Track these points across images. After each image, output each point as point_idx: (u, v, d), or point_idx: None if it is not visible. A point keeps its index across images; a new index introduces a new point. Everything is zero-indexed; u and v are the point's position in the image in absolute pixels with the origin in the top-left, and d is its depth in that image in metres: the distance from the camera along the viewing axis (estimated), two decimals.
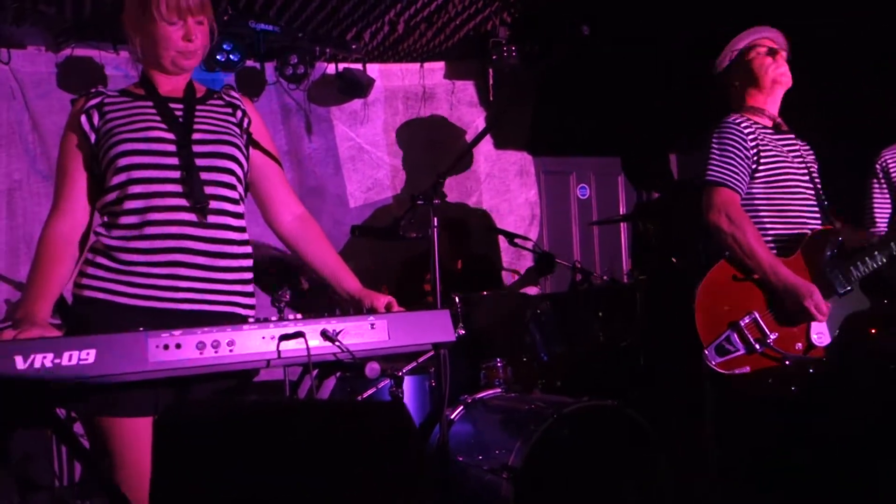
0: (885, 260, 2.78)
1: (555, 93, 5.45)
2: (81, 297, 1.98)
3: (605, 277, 4.46)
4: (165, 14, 2.01)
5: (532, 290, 5.55)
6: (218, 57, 4.49)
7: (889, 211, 3.84)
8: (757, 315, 2.67)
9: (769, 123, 2.90)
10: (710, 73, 3.01)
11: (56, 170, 2.06)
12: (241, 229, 2.08)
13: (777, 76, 2.90)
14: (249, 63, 4.83)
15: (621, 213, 6.07)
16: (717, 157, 2.78)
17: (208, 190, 1.99)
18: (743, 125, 2.82)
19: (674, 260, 3.95)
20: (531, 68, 5.25)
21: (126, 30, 2.08)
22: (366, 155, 5.46)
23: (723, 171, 2.76)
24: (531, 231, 5.66)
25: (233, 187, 2.06)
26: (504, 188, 5.70)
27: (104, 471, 1.84)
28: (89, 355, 1.56)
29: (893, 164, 3.83)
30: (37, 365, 1.51)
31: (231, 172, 2.06)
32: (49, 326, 1.80)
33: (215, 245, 2.01)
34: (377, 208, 5.42)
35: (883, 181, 3.86)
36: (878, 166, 3.87)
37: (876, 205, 3.88)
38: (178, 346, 1.66)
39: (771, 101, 2.93)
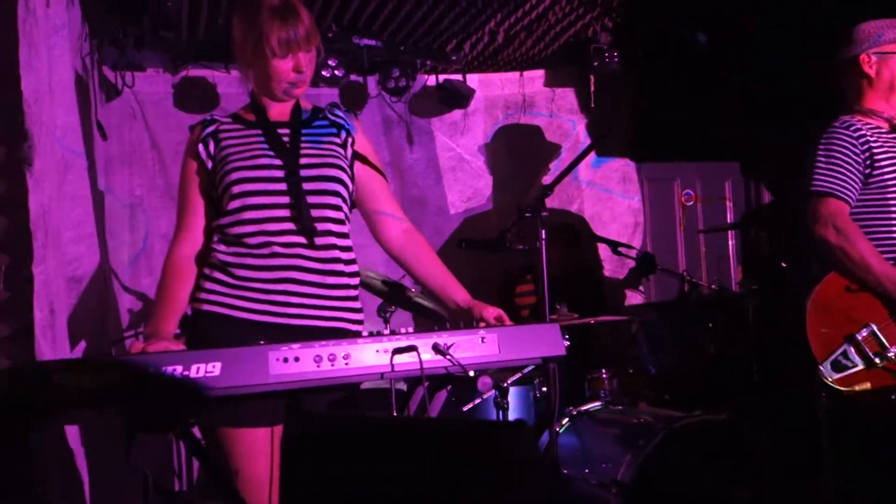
0: None
1: (657, 96, 5.35)
2: (200, 311, 2.06)
3: (713, 286, 4.34)
4: (277, 51, 2.07)
5: (636, 298, 5.46)
6: (323, 73, 4.61)
7: None
8: (875, 327, 2.53)
9: (885, 126, 2.73)
10: (834, 58, 2.86)
11: (178, 194, 2.17)
12: (348, 248, 2.13)
13: None
14: (353, 77, 4.94)
15: (728, 219, 5.89)
16: (823, 166, 2.65)
17: (315, 213, 2.05)
18: (853, 129, 2.67)
19: (784, 265, 3.79)
20: (633, 73, 5.17)
21: (239, 63, 2.16)
22: (466, 165, 5.50)
23: (830, 180, 2.62)
24: (634, 239, 5.57)
25: (338, 208, 2.11)
26: (606, 195, 5.62)
27: (226, 478, 1.91)
28: (215, 368, 1.63)
29: None
30: (168, 376, 1.58)
31: (336, 194, 2.11)
32: (175, 341, 1.89)
33: (324, 264, 2.07)
34: (477, 217, 5.44)
35: None
36: None
37: None
38: (296, 359, 1.71)
39: (894, 102, 2.76)
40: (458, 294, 2.20)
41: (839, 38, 2.84)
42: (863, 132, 2.67)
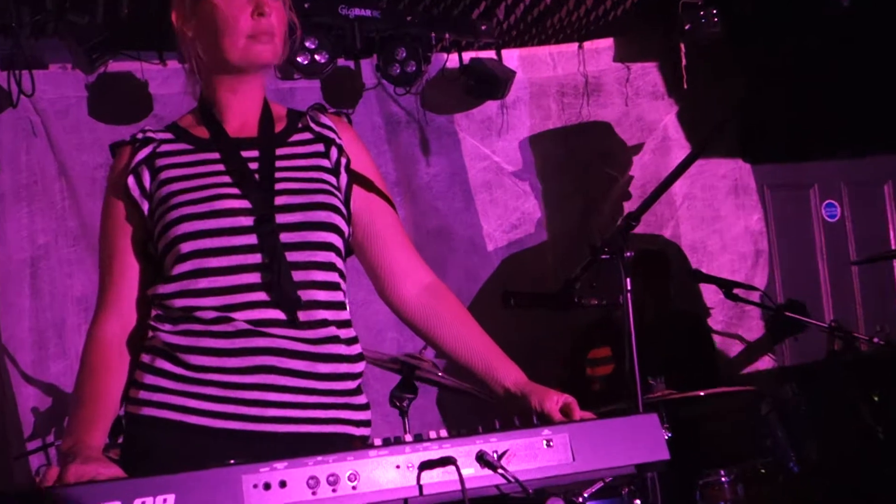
0: None
1: (777, 69, 5.35)
2: (140, 417, 2.06)
3: (876, 341, 4.31)
4: None
5: (764, 362, 5.42)
6: (299, 59, 4.66)
7: None
8: None
9: None
10: None
11: (99, 248, 2.18)
12: (346, 323, 2.13)
13: None
14: (341, 62, 5.00)
15: (892, 242, 5.83)
16: None
17: (299, 276, 2.06)
18: None
19: None
20: (741, 38, 5.18)
21: (176, 26, 2.19)
22: (507, 178, 5.52)
23: None
24: (756, 275, 5.54)
25: (331, 267, 2.12)
26: (712, 214, 5.61)
27: None
28: (167, 502, 1.63)
29: None
30: None
31: (329, 247, 2.11)
32: (106, 460, 1.89)
33: (314, 346, 2.07)
34: (526, 255, 5.44)
35: None
36: None
37: None
38: (282, 484, 1.70)
39: None
40: (508, 375, 2.19)
41: None
42: None
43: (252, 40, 2.11)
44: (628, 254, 2.46)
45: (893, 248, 5.91)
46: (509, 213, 5.51)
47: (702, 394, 3.44)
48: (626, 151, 5.54)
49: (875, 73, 5.34)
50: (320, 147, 2.23)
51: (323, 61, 4.74)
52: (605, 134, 5.59)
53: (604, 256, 2.50)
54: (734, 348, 5.45)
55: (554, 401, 2.10)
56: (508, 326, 4.71)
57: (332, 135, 2.24)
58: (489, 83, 5.21)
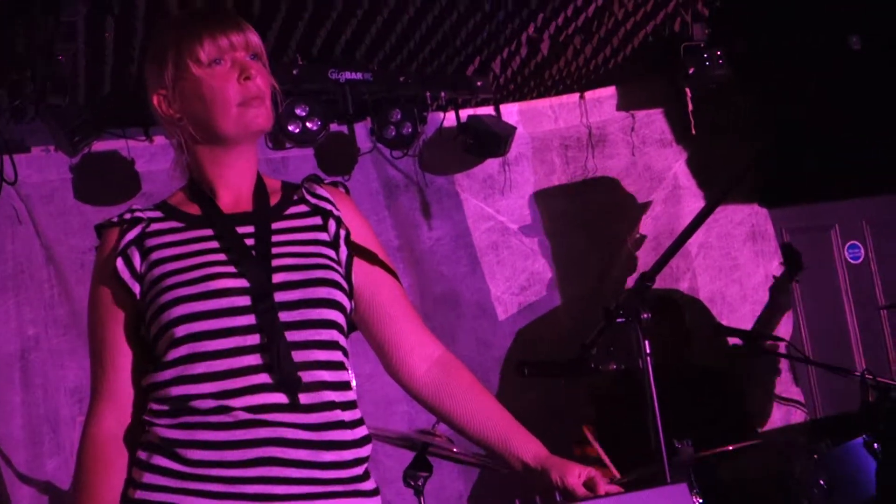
0: None
1: (790, 107, 5.36)
2: None
3: None
4: (205, 55, 2.10)
5: (795, 414, 5.38)
6: (290, 128, 4.69)
7: None
8: None
9: None
10: None
11: (89, 336, 2.17)
12: (351, 404, 2.12)
13: None
14: (334, 128, 5.02)
15: None
16: None
17: (300, 356, 2.04)
18: None
19: None
20: (749, 79, 5.20)
21: (160, 112, 2.19)
22: (513, 238, 5.52)
23: None
24: (780, 325, 5.50)
25: (334, 346, 2.11)
26: (730, 263, 5.60)
27: None
28: None
29: None
30: None
31: (330, 325, 2.11)
32: None
33: (317, 432, 2.05)
34: (540, 317, 5.42)
35: None
36: None
37: None
38: None
39: None
40: (527, 449, 2.17)
41: None
42: None
43: (244, 107, 2.11)
44: (645, 315, 2.45)
45: None
46: (518, 275, 5.50)
47: (731, 448, 3.41)
48: (636, 207, 5.54)
49: (892, 108, 5.36)
50: (318, 220, 2.23)
51: (315, 128, 4.76)
52: (612, 187, 5.59)
53: (619, 320, 2.48)
54: (766, 403, 5.41)
55: (576, 475, 2.08)
56: (524, 392, 4.75)
57: (329, 206, 2.24)
58: (489, 140, 5.22)
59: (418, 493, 3.51)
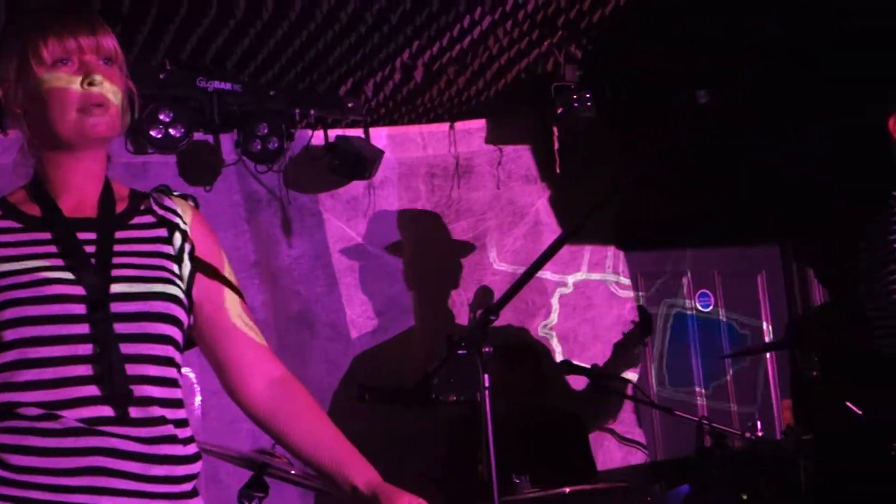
0: None
1: (653, 156, 5.50)
2: None
3: (748, 435, 4.40)
4: (48, 55, 2.05)
5: (635, 456, 5.48)
6: (152, 133, 4.61)
7: None
8: None
9: None
10: None
11: None
12: (182, 422, 2.09)
13: None
14: (198, 136, 4.96)
15: (766, 333, 6.00)
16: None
17: (133, 370, 2.01)
18: None
19: (857, 411, 3.88)
20: (615, 122, 5.32)
21: (2, 102, 2.14)
22: (374, 262, 5.52)
23: None
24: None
25: (168, 362, 2.07)
26: (584, 302, 5.69)
27: None
28: None
29: None
30: None
31: (166, 340, 2.07)
32: None
33: (148, 446, 2.01)
34: (395, 343, 5.43)
35: None
36: None
37: None
38: None
39: None
40: (360, 474, 2.17)
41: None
42: None
43: (83, 113, 2.05)
44: (486, 349, 2.47)
45: (767, 340, 6.08)
46: (375, 299, 5.49)
47: (567, 491, 3.46)
48: (494, 241, 5.60)
49: (748, 163, 5.55)
50: (163, 232, 2.19)
51: (178, 135, 4.69)
52: (477, 217, 5.64)
53: (461, 352, 2.50)
54: (607, 443, 5.50)
55: (405, 503, 2.09)
56: (371, 420, 4.74)
57: (176, 219, 2.20)
58: (355, 162, 5.22)
59: None
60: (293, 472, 3.36)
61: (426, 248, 5.59)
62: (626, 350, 5.27)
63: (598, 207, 4.73)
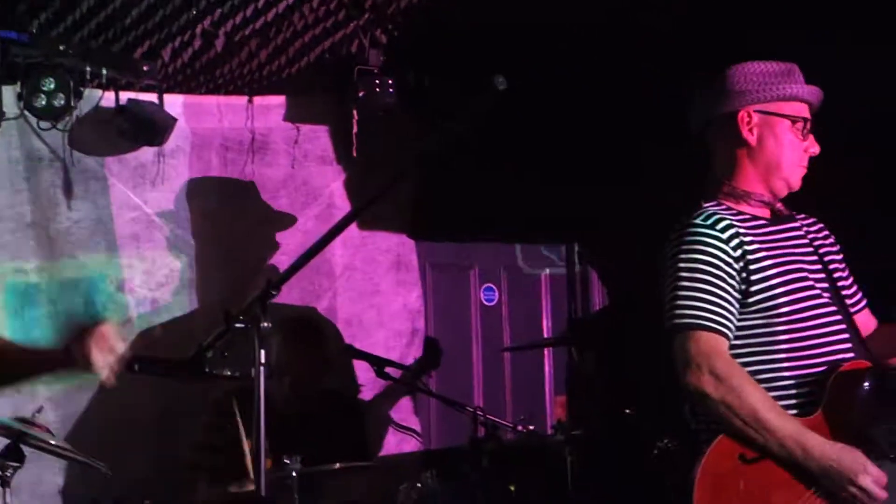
0: None
1: (451, 146, 5.52)
2: None
3: (520, 429, 4.48)
4: None
5: (410, 443, 5.52)
6: None
7: None
8: None
9: (764, 213, 2.95)
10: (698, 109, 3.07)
11: None
12: None
13: (806, 160, 2.97)
14: None
15: (545, 330, 6.14)
16: (686, 286, 2.80)
17: None
18: (721, 226, 2.84)
19: (626, 411, 4.01)
20: (416, 112, 5.33)
21: None
22: (157, 232, 5.37)
23: (697, 306, 2.78)
24: (411, 354, 5.65)
25: None
26: (372, 288, 5.70)
27: None
28: None
29: None
30: None
31: None
32: None
33: None
34: (173, 317, 5.30)
35: None
36: None
37: None
38: None
39: (775, 185, 2.96)
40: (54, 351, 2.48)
41: (706, 82, 3.05)
42: (735, 229, 2.84)
43: None
44: (265, 324, 2.42)
45: (546, 336, 6.22)
46: (157, 270, 5.34)
47: (337, 467, 3.45)
48: (287, 217, 5.54)
49: (542, 159, 5.65)
50: None
51: None
52: (269, 195, 5.56)
53: (238, 325, 2.45)
54: (383, 429, 5.51)
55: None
56: (145, 392, 4.60)
57: None
58: (146, 127, 5.06)
59: (4, 484, 3.32)
60: (52, 442, 3.23)
61: (215, 221, 5.47)
62: (412, 378, 5.25)
63: (390, 188, 4.75)
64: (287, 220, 5.55)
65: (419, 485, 3.75)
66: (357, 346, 5.28)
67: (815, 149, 2.96)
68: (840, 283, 2.99)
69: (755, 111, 2.93)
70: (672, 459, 2.79)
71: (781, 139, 2.93)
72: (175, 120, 5.18)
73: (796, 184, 2.98)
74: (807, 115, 2.96)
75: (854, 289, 3.06)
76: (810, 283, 2.89)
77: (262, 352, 2.41)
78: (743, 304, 2.82)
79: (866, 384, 2.78)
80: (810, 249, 2.98)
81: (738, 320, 2.82)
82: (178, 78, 5.25)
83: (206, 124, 5.51)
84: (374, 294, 5.70)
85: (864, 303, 3.06)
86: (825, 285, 2.93)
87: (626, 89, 5.11)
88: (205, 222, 5.46)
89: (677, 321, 2.79)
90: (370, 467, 3.97)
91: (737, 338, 2.82)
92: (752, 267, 2.82)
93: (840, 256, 3.05)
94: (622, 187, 5.55)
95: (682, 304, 2.79)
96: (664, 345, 2.81)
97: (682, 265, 2.82)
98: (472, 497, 3.95)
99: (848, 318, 2.94)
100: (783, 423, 2.71)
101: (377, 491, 3.90)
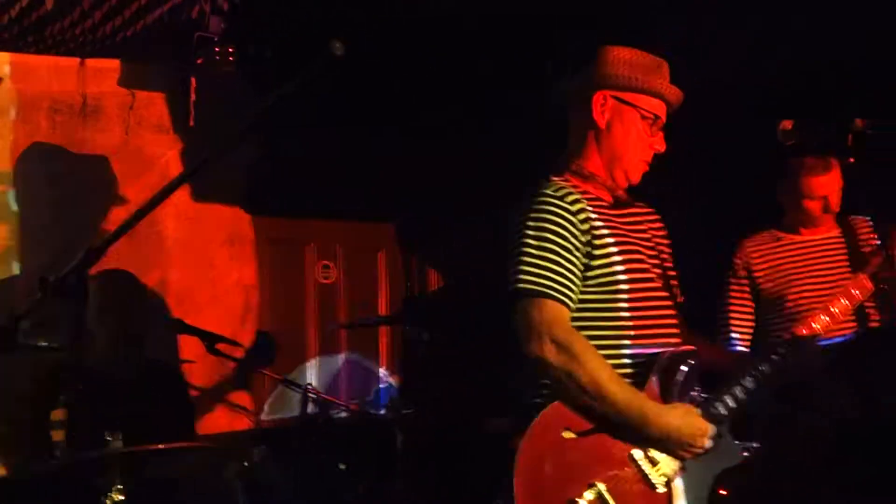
0: (748, 392, 2.94)
1: (289, 119, 5.46)
2: None
3: (352, 407, 4.48)
4: None
5: (242, 421, 5.45)
6: None
7: (749, 318, 4.18)
8: (603, 488, 2.72)
9: (607, 196, 3.00)
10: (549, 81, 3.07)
11: None
12: None
13: (650, 156, 3.03)
14: None
15: (381, 308, 6.13)
16: (533, 252, 2.83)
17: None
18: (570, 199, 2.89)
19: (459, 389, 4.03)
20: (256, 82, 5.23)
21: None
22: None
23: (543, 274, 2.80)
24: (244, 331, 5.63)
25: None
26: (205, 262, 5.62)
27: None
28: None
29: (758, 260, 4.20)
30: None
31: None
32: None
33: None
34: None
35: (743, 280, 4.21)
36: (737, 261, 4.23)
37: (733, 310, 4.22)
38: None
39: (616, 174, 3.02)
40: None
41: (576, 52, 3.06)
42: (583, 205, 2.89)
43: None
44: (84, 293, 2.32)
45: (381, 314, 6.21)
46: None
47: (162, 447, 3.37)
48: (118, 188, 5.38)
49: (380, 129, 5.63)
50: None
51: None
52: (99, 163, 5.40)
53: (54, 294, 2.33)
54: (214, 405, 5.43)
55: None
56: None
57: None
58: None
59: None
60: None
61: (42, 187, 5.28)
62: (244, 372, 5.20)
63: (220, 153, 4.65)
64: (119, 189, 5.39)
65: (247, 463, 3.69)
66: (189, 321, 5.16)
67: (661, 147, 3.02)
68: (669, 273, 3.09)
69: (611, 96, 2.98)
70: (500, 436, 2.79)
71: (629, 129, 2.99)
72: (0, 79, 4.99)
73: (636, 178, 3.04)
74: (661, 113, 3.02)
75: (677, 281, 3.14)
76: (646, 266, 2.98)
77: (80, 320, 2.31)
78: (584, 278, 2.87)
79: (681, 370, 2.88)
80: (647, 237, 3.06)
81: (580, 293, 2.87)
82: (5, 35, 5.04)
83: (34, 86, 5.34)
84: (207, 268, 5.62)
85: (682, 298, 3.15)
86: (658, 272, 3.02)
87: (465, 62, 5.11)
88: (29, 187, 5.27)
89: (521, 286, 2.82)
90: (196, 446, 3.88)
91: (579, 310, 2.87)
92: (595, 242, 2.88)
93: (670, 250, 3.14)
94: (449, 170, 5.59)
95: (528, 271, 2.82)
96: (505, 311, 2.83)
97: (529, 232, 2.85)
98: (301, 474, 3.92)
99: (676, 305, 3.04)
100: (622, 391, 2.78)
101: (204, 468, 3.80)
